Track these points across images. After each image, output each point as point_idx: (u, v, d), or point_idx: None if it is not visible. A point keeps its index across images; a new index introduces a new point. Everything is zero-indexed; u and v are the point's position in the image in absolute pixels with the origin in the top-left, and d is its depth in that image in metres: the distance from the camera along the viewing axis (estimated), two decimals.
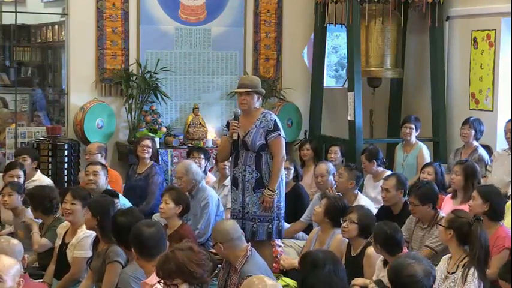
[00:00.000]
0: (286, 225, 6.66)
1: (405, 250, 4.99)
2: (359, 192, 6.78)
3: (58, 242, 5.74)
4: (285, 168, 6.50)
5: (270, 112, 6.29)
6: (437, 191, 5.94)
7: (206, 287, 3.78)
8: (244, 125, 6.13)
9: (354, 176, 6.67)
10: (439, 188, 6.20)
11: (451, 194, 6.53)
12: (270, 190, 6.07)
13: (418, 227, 5.84)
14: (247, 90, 6.10)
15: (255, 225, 6.12)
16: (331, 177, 6.92)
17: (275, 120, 6.13)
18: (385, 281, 4.89)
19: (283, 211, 6.25)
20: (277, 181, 6.11)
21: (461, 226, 4.80)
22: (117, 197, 5.97)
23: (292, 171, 7.29)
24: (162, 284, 3.72)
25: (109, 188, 6.64)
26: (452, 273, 4.78)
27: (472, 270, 4.66)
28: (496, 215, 5.45)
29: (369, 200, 6.86)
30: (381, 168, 7.52)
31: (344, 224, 5.46)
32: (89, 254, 5.34)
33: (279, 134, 6.11)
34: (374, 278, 5.11)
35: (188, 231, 5.93)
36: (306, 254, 4.32)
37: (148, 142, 7.78)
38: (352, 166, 6.84)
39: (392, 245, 4.94)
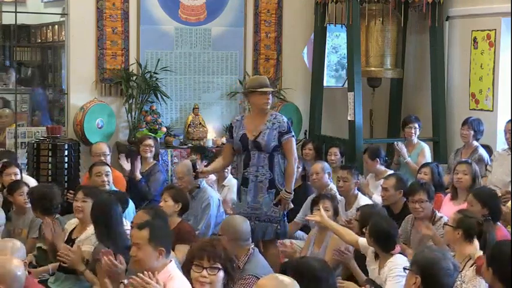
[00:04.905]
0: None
1: (398, 247, 5.01)
2: (359, 193, 6.78)
3: (64, 238, 5.71)
4: None
5: (279, 113, 6.30)
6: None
7: (232, 283, 3.80)
8: (256, 125, 6.09)
9: (357, 176, 6.70)
10: (436, 189, 6.18)
11: (449, 195, 6.50)
12: (288, 192, 6.07)
13: (414, 229, 5.82)
14: (272, 90, 6.17)
15: (265, 225, 6.07)
16: (326, 176, 6.92)
17: (287, 122, 6.12)
18: (379, 281, 4.94)
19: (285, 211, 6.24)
20: (292, 182, 6.11)
21: (470, 225, 4.76)
22: (127, 202, 6.04)
23: (300, 169, 7.29)
24: (192, 266, 3.78)
25: (114, 188, 6.66)
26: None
27: None
28: (495, 217, 5.41)
29: (369, 199, 6.84)
30: (383, 168, 7.52)
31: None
32: None
33: (292, 136, 6.11)
34: (367, 267, 5.18)
35: (187, 228, 5.93)
36: (300, 266, 3.88)
37: (150, 141, 7.85)
38: (352, 166, 6.86)
39: (387, 241, 4.98)
